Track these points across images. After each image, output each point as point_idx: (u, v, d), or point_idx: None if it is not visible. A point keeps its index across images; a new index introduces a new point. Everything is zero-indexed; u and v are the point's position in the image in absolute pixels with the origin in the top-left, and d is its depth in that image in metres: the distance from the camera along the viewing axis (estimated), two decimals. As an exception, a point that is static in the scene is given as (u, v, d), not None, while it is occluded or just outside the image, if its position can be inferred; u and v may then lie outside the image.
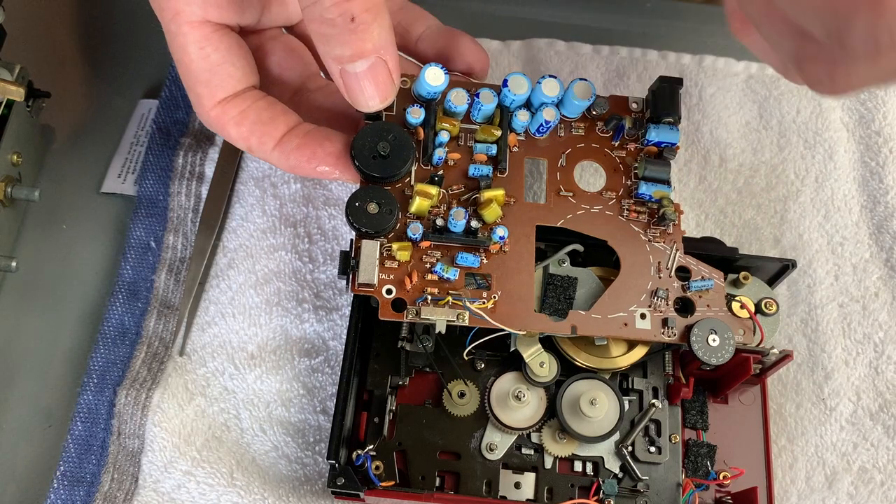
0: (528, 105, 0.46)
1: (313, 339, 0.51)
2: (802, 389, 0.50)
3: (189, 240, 0.53)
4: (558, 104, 0.46)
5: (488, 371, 0.46)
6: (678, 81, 0.46)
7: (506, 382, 0.45)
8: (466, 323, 0.42)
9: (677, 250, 0.45)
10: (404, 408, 0.45)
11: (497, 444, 0.44)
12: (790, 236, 0.55)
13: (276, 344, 0.50)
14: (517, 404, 0.44)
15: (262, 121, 0.44)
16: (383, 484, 0.43)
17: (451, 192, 0.45)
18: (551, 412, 0.44)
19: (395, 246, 0.42)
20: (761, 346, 0.45)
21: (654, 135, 0.46)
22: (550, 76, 0.45)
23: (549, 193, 0.46)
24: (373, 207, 0.42)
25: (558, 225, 0.45)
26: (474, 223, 0.43)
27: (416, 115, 0.44)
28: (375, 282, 0.42)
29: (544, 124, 0.45)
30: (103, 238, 0.55)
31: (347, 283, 0.43)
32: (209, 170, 0.55)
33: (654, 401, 0.45)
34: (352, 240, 0.43)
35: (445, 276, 0.43)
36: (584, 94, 0.46)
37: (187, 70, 0.43)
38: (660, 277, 0.45)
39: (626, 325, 0.43)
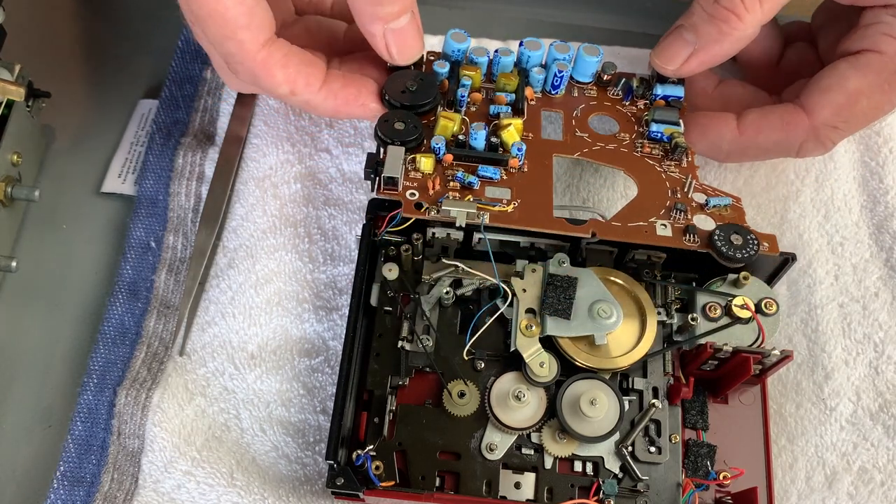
0: (543, 66, 0.51)
1: (313, 339, 0.51)
2: (802, 389, 0.50)
3: (189, 240, 0.53)
4: (571, 71, 0.52)
5: (488, 371, 0.46)
6: None
7: (506, 382, 0.45)
8: (487, 221, 0.44)
9: (693, 179, 0.47)
10: (404, 408, 0.45)
11: (497, 444, 0.44)
12: (790, 236, 0.55)
13: (276, 344, 0.50)
14: (517, 404, 0.44)
15: (305, 62, 0.46)
16: (383, 484, 0.42)
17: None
18: (551, 412, 0.44)
19: (419, 156, 0.46)
20: (762, 346, 0.45)
21: (661, 90, 0.51)
22: (560, 41, 0.51)
23: (565, 133, 0.50)
24: (399, 125, 0.47)
25: (575, 157, 0.49)
26: (494, 140, 0.47)
27: (441, 66, 0.50)
28: (399, 175, 0.45)
29: (557, 74, 0.50)
30: (103, 238, 0.55)
31: (373, 187, 0.46)
32: (209, 170, 0.55)
33: (654, 401, 0.45)
34: (378, 148, 0.47)
35: (467, 181, 0.46)
36: (593, 52, 0.51)
37: (223, 20, 0.43)
38: (678, 197, 0.47)
39: (646, 232, 0.45)
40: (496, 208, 0.45)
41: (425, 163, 0.46)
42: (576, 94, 0.52)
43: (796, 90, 0.51)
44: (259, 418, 0.48)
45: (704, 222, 0.46)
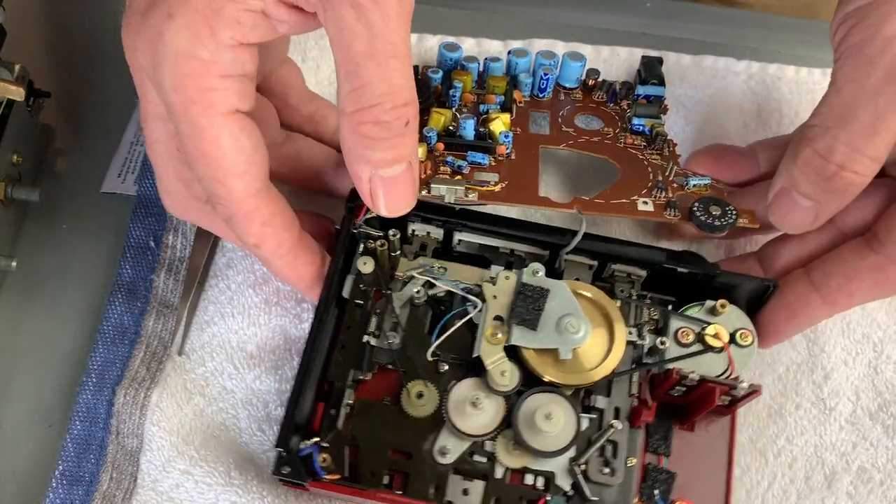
0: (530, 73, 0.54)
1: (312, 339, 0.50)
2: (802, 389, 0.50)
3: (188, 239, 0.53)
4: (557, 78, 0.54)
5: (451, 374, 0.45)
6: (659, 59, 0.56)
7: (465, 388, 0.44)
8: (475, 199, 0.45)
9: (674, 165, 0.49)
10: (363, 402, 0.45)
11: (450, 448, 0.43)
12: (790, 236, 0.55)
13: (275, 343, 0.50)
14: (473, 411, 0.43)
15: (285, 226, 0.43)
16: (328, 476, 0.42)
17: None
18: (508, 422, 0.43)
19: None
20: (730, 377, 0.44)
21: (642, 90, 0.53)
22: (547, 50, 0.54)
23: (552, 128, 0.52)
24: None
25: (561, 148, 0.51)
26: (482, 130, 0.49)
27: (435, 72, 0.52)
28: None
29: (543, 77, 0.53)
30: (103, 238, 0.55)
31: None
32: (209, 169, 0.55)
33: (613, 421, 0.44)
34: None
35: (456, 164, 0.47)
36: (577, 57, 0.53)
37: (217, 164, 0.40)
38: (660, 179, 0.48)
39: (628, 207, 0.46)
40: (484, 188, 0.46)
41: (418, 151, 0.46)
42: (562, 98, 0.54)
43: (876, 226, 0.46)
44: (258, 418, 0.48)
45: (685, 200, 0.47)
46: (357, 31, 0.36)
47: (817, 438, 0.49)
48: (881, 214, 0.46)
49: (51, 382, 0.50)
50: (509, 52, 0.53)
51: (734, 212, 0.46)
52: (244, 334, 0.50)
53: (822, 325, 0.52)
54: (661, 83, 0.54)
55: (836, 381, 0.50)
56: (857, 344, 0.51)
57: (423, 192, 0.45)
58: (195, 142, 0.39)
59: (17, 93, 0.50)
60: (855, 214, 0.47)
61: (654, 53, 0.61)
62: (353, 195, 0.47)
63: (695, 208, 0.46)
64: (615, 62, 0.61)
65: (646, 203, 0.46)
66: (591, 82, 0.54)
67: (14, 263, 0.51)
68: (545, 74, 0.52)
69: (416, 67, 0.53)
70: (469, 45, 0.62)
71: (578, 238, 0.46)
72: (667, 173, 0.48)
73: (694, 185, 0.48)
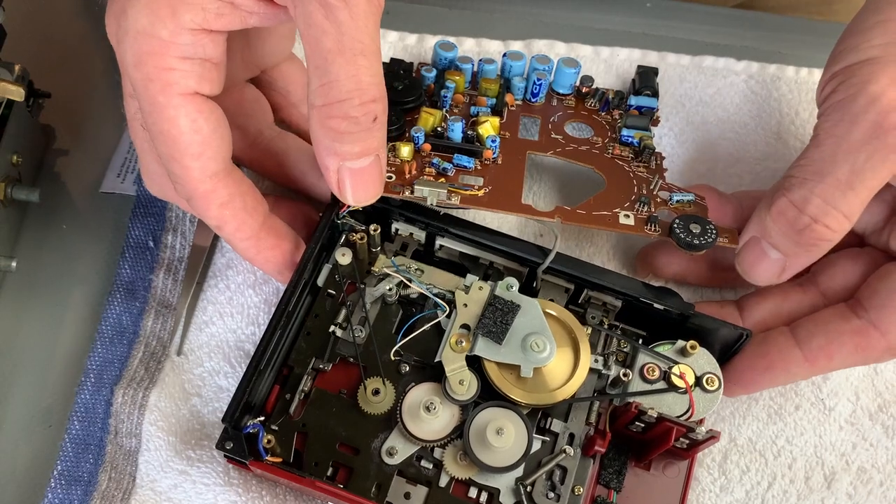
0: (524, 77, 0.54)
1: (311, 339, 0.50)
2: (801, 389, 0.50)
3: (187, 239, 0.53)
4: (551, 83, 0.54)
5: (411, 377, 0.45)
6: (654, 70, 0.56)
7: (422, 391, 0.44)
8: (458, 203, 0.45)
9: (660, 178, 0.49)
10: (319, 392, 0.45)
11: (398, 449, 0.43)
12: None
13: (274, 343, 0.50)
14: (427, 415, 0.43)
15: (246, 208, 0.44)
16: (270, 458, 0.42)
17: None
18: (461, 432, 0.43)
19: (398, 144, 0.47)
20: (690, 420, 0.44)
21: (635, 101, 0.53)
22: (542, 55, 0.54)
23: (541, 134, 0.52)
24: None
25: (548, 155, 0.50)
26: (470, 133, 0.49)
27: (429, 71, 0.53)
28: None
29: (536, 82, 0.52)
30: (103, 238, 0.55)
31: None
32: (208, 169, 0.55)
33: (565, 446, 0.43)
34: None
35: (442, 166, 0.47)
36: (572, 64, 0.53)
37: (174, 143, 0.41)
38: (644, 193, 0.48)
39: (609, 220, 0.46)
40: (467, 192, 0.46)
41: (404, 150, 0.47)
42: (555, 104, 0.54)
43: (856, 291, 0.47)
44: (256, 418, 0.48)
45: (667, 216, 0.47)
46: (326, 28, 0.37)
47: (817, 439, 0.49)
48: (863, 282, 0.47)
49: (51, 382, 0.50)
50: (504, 55, 0.53)
51: (714, 230, 0.45)
52: (242, 334, 0.50)
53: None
54: (655, 94, 0.54)
55: (836, 382, 0.50)
56: (857, 344, 0.51)
57: (406, 193, 0.45)
58: (153, 118, 0.40)
59: (17, 93, 0.50)
60: (838, 280, 0.47)
61: (653, 54, 0.61)
62: None
63: (675, 225, 0.45)
64: (615, 62, 0.61)
65: (627, 216, 0.46)
66: (584, 89, 0.54)
67: (14, 263, 0.51)
68: (538, 79, 0.52)
69: (410, 65, 0.54)
70: (469, 46, 0.62)
71: (552, 256, 0.46)
72: (651, 187, 0.48)
73: (677, 201, 0.47)
